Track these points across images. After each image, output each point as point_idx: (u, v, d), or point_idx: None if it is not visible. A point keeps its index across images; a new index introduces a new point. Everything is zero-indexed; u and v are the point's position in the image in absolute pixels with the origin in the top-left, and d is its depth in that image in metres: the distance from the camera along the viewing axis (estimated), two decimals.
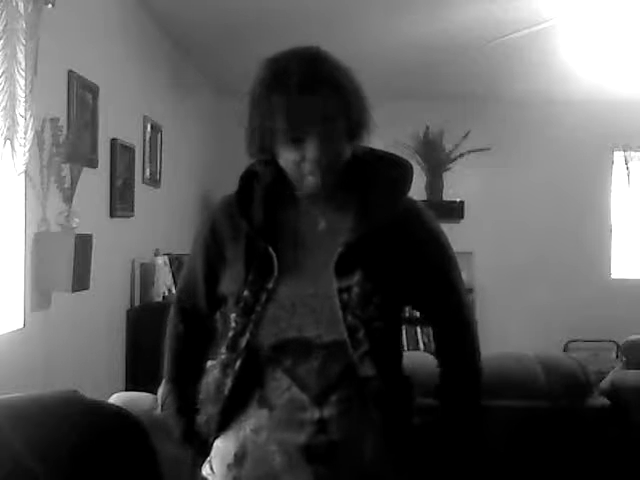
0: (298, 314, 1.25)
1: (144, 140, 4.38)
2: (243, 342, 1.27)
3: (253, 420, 1.28)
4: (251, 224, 1.29)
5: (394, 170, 1.33)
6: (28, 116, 2.45)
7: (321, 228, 1.31)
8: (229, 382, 1.30)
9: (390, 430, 1.28)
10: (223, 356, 1.32)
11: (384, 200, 1.29)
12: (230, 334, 1.30)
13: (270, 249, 1.26)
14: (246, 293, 1.26)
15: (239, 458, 1.29)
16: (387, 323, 1.27)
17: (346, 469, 1.24)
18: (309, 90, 1.18)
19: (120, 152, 3.83)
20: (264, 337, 1.26)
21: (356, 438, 1.25)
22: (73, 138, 2.99)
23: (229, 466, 1.31)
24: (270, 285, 1.25)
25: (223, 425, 1.33)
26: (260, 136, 1.25)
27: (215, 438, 1.35)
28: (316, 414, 1.23)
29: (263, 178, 1.33)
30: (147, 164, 4.43)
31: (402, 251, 1.30)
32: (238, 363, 1.28)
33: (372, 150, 1.35)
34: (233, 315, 1.30)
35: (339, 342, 1.23)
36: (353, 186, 1.31)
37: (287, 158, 1.23)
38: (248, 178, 1.36)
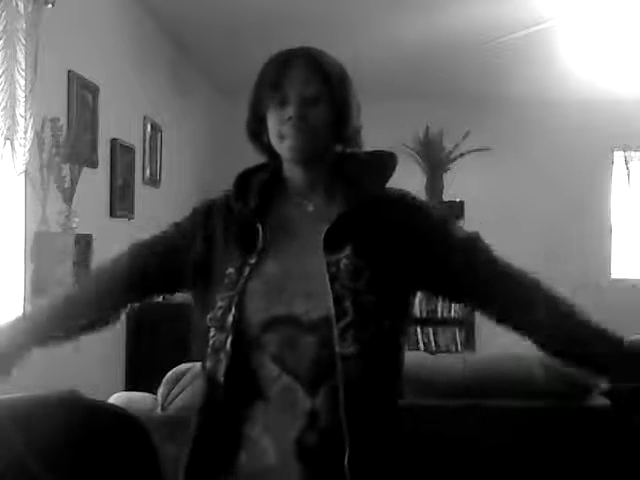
0: (288, 290, 1.25)
1: (144, 140, 4.38)
2: (230, 318, 1.26)
3: (248, 412, 1.27)
4: (245, 206, 1.34)
5: (377, 156, 1.40)
6: (28, 116, 2.45)
7: (310, 213, 1.34)
8: (222, 367, 1.26)
9: (361, 437, 1.22)
10: (212, 340, 1.28)
11: (369, 180, 1.34)
12: (218, 313, 1.28)
13: (258, 225, 1.30)
14: (230, 270, 1.28)
15: (234, 449, 1.28)
16: (380, 300, 1.25)
17: (334, 466, 1.22)
18: (296, 63, 1.31)
19: (120, 152, 3.83)
20: (252, 313, 1.25)
21: (343, 433, 1.22)
22: (73, 138, 2.99)
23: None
24: (253, 260, 1.28)
25: (221, 424, 1.29)
26: (254, 105, 1.35)
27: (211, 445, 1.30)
28: (308, 404, 1.22)
29: (259, 176, 1.39)
30: (147, 164, 4.44)
31: (400, 234, 1.31)
32: (229, 342, 1.25)
33: (358, 150, 1.41)
34: (219, 295, 1.29)
35: (328, 319, 1.22)
36: (339, 178, 1.36)
37: (273, 122, 1.32)
38: (245, 177, 1.41)
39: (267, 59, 1.35)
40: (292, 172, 1.36)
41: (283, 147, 1.31)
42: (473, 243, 1.34)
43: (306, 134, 1.29)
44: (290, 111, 1.28)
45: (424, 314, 5.80)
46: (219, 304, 1.29)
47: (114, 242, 3.65)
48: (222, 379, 1.26)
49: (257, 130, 1.37)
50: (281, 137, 1.30)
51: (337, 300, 1.22)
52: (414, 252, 1.31)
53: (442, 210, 1.43)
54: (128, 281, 1.44)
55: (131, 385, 3.91)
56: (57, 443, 1.48)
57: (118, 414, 1.67)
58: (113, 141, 3.74)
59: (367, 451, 1.24)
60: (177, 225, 1.45)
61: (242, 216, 1.34)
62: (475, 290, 1.34)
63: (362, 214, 1.30)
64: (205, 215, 1.40)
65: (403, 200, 1.37)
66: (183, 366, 2.16)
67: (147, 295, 1.52)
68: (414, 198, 1.39)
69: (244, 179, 1.40)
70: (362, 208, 1.30)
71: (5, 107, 2.33)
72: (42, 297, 2.85)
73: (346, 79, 1.36)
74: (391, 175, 1.36)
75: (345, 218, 1.29)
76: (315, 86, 1.30)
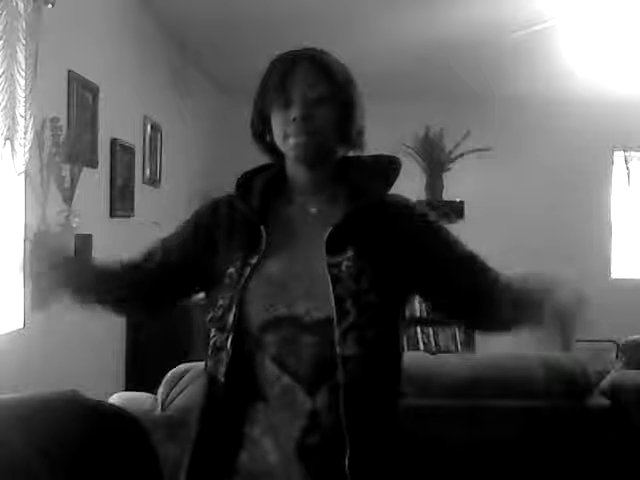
0: (289, 289, 1.26)
1: (144, 140, 4.38)
2: (231, 317, 1.26)
3: (249, 413, 1.27)
4: (249, 207, 1.35)
5: (381, 161, 1.41)
6: (28, 116, 2.45)
7: (312, 215, 1.35)
8: (223, 367, 1.26)
9: (361, 437, 1.23)
10: (213, 340, 1.29)
11: (371, 184, 1.35)
12: (219, 312, 1.29)
13: (261, 227, 1.31)
14: (231, 270, 1.29)
15: (235, 450, 1.28)
16: (380, 302, 1.26)
17: (335, 467, 1.22)
18: (300, 64, 1.32)
19: (120, 152, 3.83)
20: (253, 313, 1.26)
21: (343, 433, 1.22)
22: (73, 138, 2.99)
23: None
24: (254, 260, 1.28)
25: (220, 423, 1.30)
26: (259, 105, 1.36)
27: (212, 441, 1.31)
28: (308, 405, 1.23)
29: (261, 177, 1.40)
30: (147, 164, 4.44)
31: (400, 238, 1.32)
32: (230, 341, 1.25)
33: (361, 154, 1.42)
34: (219, 295, 1.30)
35: (330, 320, 1.23)
36: (343, 181, 1.37)
37: (277, 123, 1.32)
38: (247, 178, 1.41)
39: (271, 60, 1.36)
40: (296, 172, 1.37)
41: (287, 146, 1.32)
42: (469, 254, 1.40)
43: (310, 134, 1.30)
44: (294, 112, 1.29)
45: (424, 314, 5.80)
46: (220, 303, 1.29)
47: (114, 242, 3.67)
48: (223, 379, 1.27)
49: (261, 131, 1.38)
50: (286, 137, 1.31)
51: (339, 301, 1.23)
52: (413, 255, 1.32)
53: (441, 220, 1.44)
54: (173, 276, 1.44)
55: (131, 385, 3.91)
56: (57, 443, 1.48)
57: (118, 414, 1.67)
58: (113, 141, 3.74)
59: (367, 451, 1.24)
60: (186, 222, 1.45)
61: (245, 217, 1.34)
62: (469, 298, 1.37)
63: (364, 217, 1.31)
64: (209, 217, 1.40)
65: (404, 207, 1.39)
66: (183, 366, 2.17)
67: (181, 294, 1.53)
68: (415, 205, 1.41)
69: (247, 180, 1.40)
70: (364, 211, 1.31)
71: (5, 107, 2.33)
72: (42, 297, 2.85)
73: (350, 80, 1.36)
74: (394, 180, 1.37)
75: (347, 221, 1.29)
76: (319, 87, 1.31)
